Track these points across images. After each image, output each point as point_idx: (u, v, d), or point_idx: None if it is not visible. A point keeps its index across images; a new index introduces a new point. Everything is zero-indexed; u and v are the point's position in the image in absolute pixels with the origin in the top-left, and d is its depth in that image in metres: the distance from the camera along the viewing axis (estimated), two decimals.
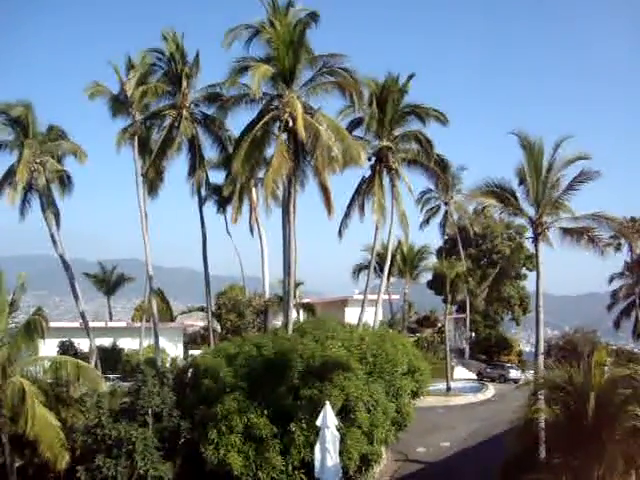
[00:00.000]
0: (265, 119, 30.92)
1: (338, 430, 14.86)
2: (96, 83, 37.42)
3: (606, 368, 21.22)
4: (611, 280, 59.36)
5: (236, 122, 37.43)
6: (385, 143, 38.65)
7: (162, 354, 39.96)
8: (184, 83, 36.71)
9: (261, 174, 35.54)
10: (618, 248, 54.17)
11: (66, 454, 23.05)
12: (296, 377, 24.78)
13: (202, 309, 50.46)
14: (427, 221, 63.94)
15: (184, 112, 36.60)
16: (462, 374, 58.84)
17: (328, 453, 13.86)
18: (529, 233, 27.91)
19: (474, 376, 59.10)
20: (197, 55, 37.34)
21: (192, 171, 38.37)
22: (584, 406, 18.17)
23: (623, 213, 57.31)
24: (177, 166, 40.89)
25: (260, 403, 24.24)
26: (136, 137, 37.09)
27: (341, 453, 21.07)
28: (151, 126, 38.24)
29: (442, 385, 49.85)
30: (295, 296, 38.86)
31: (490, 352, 67.64)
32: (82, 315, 38.42)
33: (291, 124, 30.21)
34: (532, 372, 30.47)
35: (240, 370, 25.69)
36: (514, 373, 56.76)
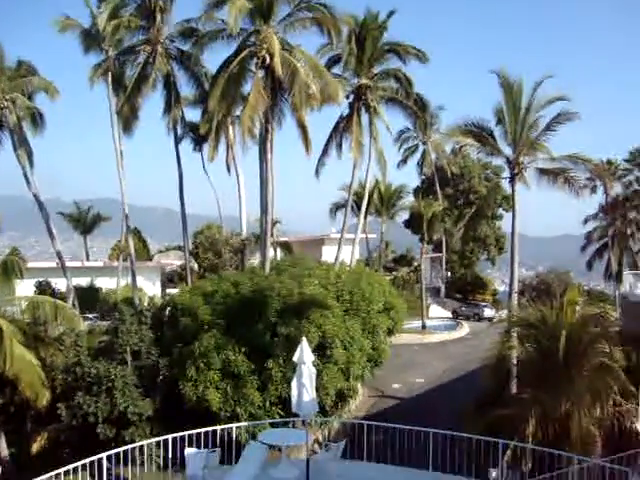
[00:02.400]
0: (242, 55, 30.40)
1: (315, 366, 15.04)
2: (66, 16, 36.29)
3: (578, 307, 21.66)
4: (585, 222, 59.85)
5: (213, 58, 36.74)
6: (364, 81, 38.23)
7: (140, 293, 40.08)
8: (158, 17, 35.74)
9: (238, 112, 35.03)
10: (594, 190, 54.51)
11: (46, 392, 23.21)
12: (273, 315, 25.01)
13: (179, 248, 50.47)
14: (405, 160, 63.67)
15: (159, 48, 35.76)
16: (437, 312, 59.74)
17: (305, 388, 14.00)
18: (506, 173, 28.04)
19: (449, 314, 60.03)
20: None
21: (168, 109, 37.72)
22: (555, 343, 18.57)
23: (600, 156, 57.43)
24: (152, 103, 40.20)
25: (238, 340, 24.50)
26: (109, 73, 36.24)
27: (318, 389, 21.41)
28: (125, 62, 37.32)
29: (417, 323, 50.68)
30: (272, 234, 38.90)
31: (465, 291, 68.61)
32: (58, 255, 38.11)
33: (268, 61, 29.75)
34: (506, 311, 31.00)
35: (217, 308, 25.85)
36: (488, 312, 57.71)
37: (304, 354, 14.18)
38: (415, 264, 64.41)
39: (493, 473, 16.63)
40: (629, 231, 58.58)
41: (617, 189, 58.94)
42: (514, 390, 22.77)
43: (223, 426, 17.94)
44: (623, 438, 18.35)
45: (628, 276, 44.67)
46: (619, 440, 18.30)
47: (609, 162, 58.06)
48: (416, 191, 67.48)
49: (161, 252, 62.97)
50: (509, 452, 17.20)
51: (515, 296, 27.55)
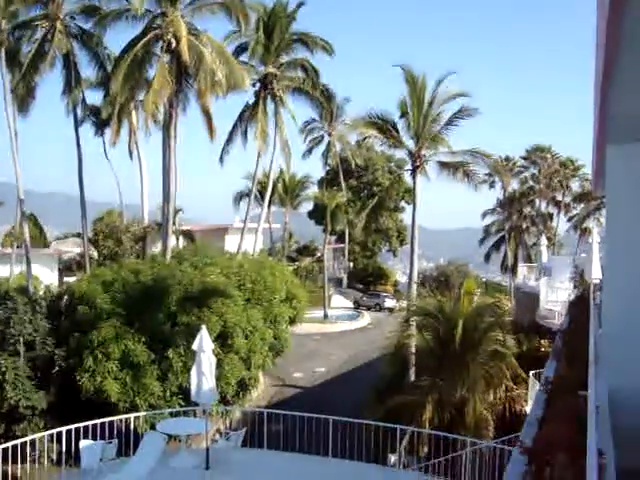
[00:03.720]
0: (147, 38, 29.68)
1: (216, 355, 14.93)
2: None
3: (474, 298, 22.42)
4: (484, 216, 62.09)
5: (116, 39, 35.53)
6: (270, 69, 38.12)
7: (35, 281, 38.49)
8: None
9: (142, 96, 34.14)
10: (492, 185, 56.60)
11: None
12: (174, 304, 24.64)
13: (78, 235, 48.79)
14: (310, 151, 63.92)
15: (58, 24, 34.12)
16: (339, 302, 60.29)
17: (204, 377, 13.88)
18: (408, 166, 28.60)
19: (351, 304, 60.72)
20: None
21: (67, 89, 36.17)
22: (452, 332, 19.16)
23: (499, 152, 59.64)
24: (51, 83, 38.44)
25: (138, 330, 23.98)
26: (3, 48, 34.45)
27: (219, 378, 21.33)
28: (21, 37, 35.51)
29: (320, 313, 51.05)
30: (174, 223, 38.26)
31: (367, 282, 69.53)
32: None
33: (174, 45, 29.19)
34: (406, 301, 31.70)
35: (117, 297, 25.21)
36: (389, 302, 58.64)
37: (203, 342, 14.06)
38: (318, 254, 64.79)
39: (392, 458, 17.00)
40: (524, 225, 61.15)
41: (514, 185, 61.42)
42: (412, 378, 23.33)
43: (121, 416, 17.56)
44: (513, 421, 19.14)
45: (522, 268, 46.68)
46: (510, 423, 19.08)
47: (507, 159, 60.35)
48: (320, 182, 67.87)
49: (59, 239, 60.67)
50: (407, 437, 17.60)
51: (415, 287, 28.20)
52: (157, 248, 41.31)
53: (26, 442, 15.35)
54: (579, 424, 4.36)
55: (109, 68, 35.17)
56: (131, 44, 30.19)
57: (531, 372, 20.70)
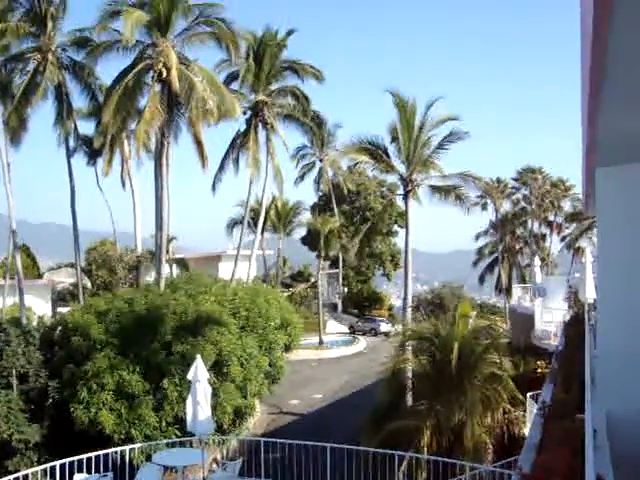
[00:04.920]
0: (138, 68, 29.82)
1: (211, 384, 14.85)
2: None
3: (470, 320, 22.38)
4: (477, 238, 62.35)
5: (107, 70, 35.72)
6: (261, 97, 38.32)
7: (28, 312, 38.28)
8: (49, 24, 34.34)
9: (134, 125, 34.25)
10: (484, 207, 56.88)
11: None
12: (169, 333, 24.50)
13: (72, 265, 48.62)
14: (302, 177, 64.25)
15: (50, 56, 34.37)
16: (335, 328, 60.14)
17: (200, 406, 13.78)
18: (400, 190, 28.72)
19: (346, 330, 60.54)
20: None
21: (59, 120, 36.33)
22: (448, 355, 19.08)
23: (491, 174, 60.02)
24: (43, 114, 38.58)
25: (132, 360, 23.81)
26: None
27: (215, 407, 21.16)
28: (13, 69, 35.70)
29: (315, 339, 50.86)
30: (167, 251, 38.17)
31: (362, 306, 69.47)
32: None
33: (165, 74, 29.30)
34: (401, 325, 31.64)
35: (111, 327, 25.06)
36: (385, 326, 58.51)
37: (199, 372, 13.97)
38: (312, 280, 64.74)
39: None
40: (518, 246, 61.38)
41: (506, 206, 61.70)
42: (410, 402, 23.20)
43: (116, 449, 17.35)
44: (512, 444, 19.02)
45: (517, 289, 46.69)
46: (508, 446, 18.96)
47: (498, 180, 60.65)
48: (313, 208, 68.06)
49: (52, 270, 60.46)
50: (405, 463, 17.46)
51: (409, 310, 28.17)
52: (151, 277, 41.19)
53: (19, 477, 15.16)
54: (577, 449, 4.33)
55: (101, 98, 35.37)
56: (122, 74, 30.36)
57: (528, 394, 20.63)
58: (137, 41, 30.10)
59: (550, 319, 29.83)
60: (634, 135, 5.65)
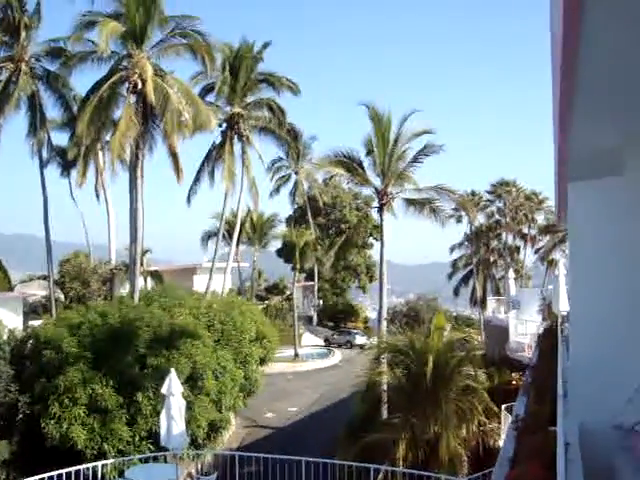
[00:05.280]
0: (113, 79, 29.70)
1: (185, 398, 14.73)
2: None
3: (445, 332, 22.44)
4: (452, 250, 62.76)
5: (82, 81, 35.49)
6: (237, 110, 38.36)
7: None
8: (23, 34, 34.10)
9: (108, 137, 34.07)
10: (459, 220, 57.31)
11: None
12: (143, 346, 24.27)
13: (44, 277, 48.05)
14: (277, 190, 64.24)
15: (23, 66, 34.06)
16: (310, 340, 60.03)
17: (174, 421, 13.65)
18: (375, 203, 28.81)
19: (322, 342, 60.47)
20: (38, 4, 34.69)
21: (32, 131, 36.03)
22: (423, 368, 19.08)
23: (465, 187, 60.52)
24: (17, 124, 38.24)
25: (105, 373, 23.51)
26: None
27: (189, 421, 20.96)
28: None
29: (290, 351, 50.69)
30: (142, 263, 37.91)
31: (337, 319, 69.45)
32: None
33: (140, 86, 29.22)
34: (377, 337, 31.65)
35: (84, 340, 24.75)
36: (360, 339, 58.45)
37: (173, 386, 13.85)
38: (287, 293, 64.63)
39: None
40: (492, 259, 61.84)
41: (481, 219, 62.18)
42: (385, 415, 23.17)
43: (88, 465, 17.08)
44: (487, 456, 19.05)
45: (491, 302, 46.99)
46: (484, 458, 18.99)
47: (473, 193, 61.15)
48: (288, 220, 68.09)
49: (24, 282, 59.67)
50: (381, 476, 17.41)
51: (385, 323, 28.20)
52: (125, 289, 40.84)
53: None
54: (549, 462, 4.34)
55: (75, 109, 35.15)
56: (97, 85, 30.21)
57: (503, 406, 20.70)
58: (112, 52, 30.08)
59: (524, 331, 30.03)
60: (605, 150, 5.73)
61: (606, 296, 6.23)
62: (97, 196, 45.89)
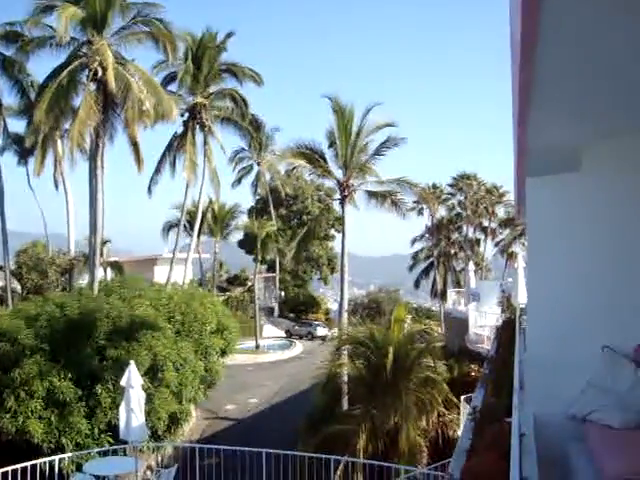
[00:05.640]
0: (72, 66, 29.13)
1: (146, 390, 14.62)
2: None
3: (405, 324, 22.65)
4: (413, 242, 63.16)
5: (40, 67, 34.74)
6: (199, 99, 38.06)
7: None
8: None
9: (68, 125, 33.52)
10: (420, 212, 57.80)
11: None
12: (102, 337, 23.97)
13: (0, 268, 47.22)
14: (239, 180, 64.07)
15: None
16: (271, 332, 60.01)
17: (133, 413, 13.54)
18: (337, 195, 28.89)
19: (283, 334, 60.51)
20: None
21: None
22: (383, 359, 19.25)
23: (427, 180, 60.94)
24: None
25: (64, 366, 23.15)
26: None
27: (149, 413, 20.81)
28: None
29: (252, 343, 50.66)
30: (102, 254, 37.46)
31: (299, 310, 69.49)
32: None
33: (101, 73, 28.75)
34: (338, 329, 31.78)
35: (42, 332, 24.33)
36: (321, 330, 58.68)
37: (132, 378, 13.74)
38: (249, 284, 64.46)
39: None
40: (453, 251, 62.41)
41: (442, 212, 62.73)
42: (345, 407, 23.32)
43: (45, 459, 16.86)
44: (446, 446, 19.32)
45: (452, 294, 47.44)
46: (443, 448, 19.25)
47: (434, 186, 61.62)
48: (250, 211, 67.85)
49: None
50: (341, 467, 17.53)
51: (346, 315, 28.33)
52: (84, 280, 40.34)
53: None
54: (504, 453, 4.41)
55: (33, 96, 34.47)
56: (56, 72, 29.60)
57: (462, 397, 20.98)
58: (72, 38, 29.51)
59: (484, 323, 30.39)
60: (562, 146, 5.82)
61: (561, 290, 6.34)
62: (56, 185, 45.10)
